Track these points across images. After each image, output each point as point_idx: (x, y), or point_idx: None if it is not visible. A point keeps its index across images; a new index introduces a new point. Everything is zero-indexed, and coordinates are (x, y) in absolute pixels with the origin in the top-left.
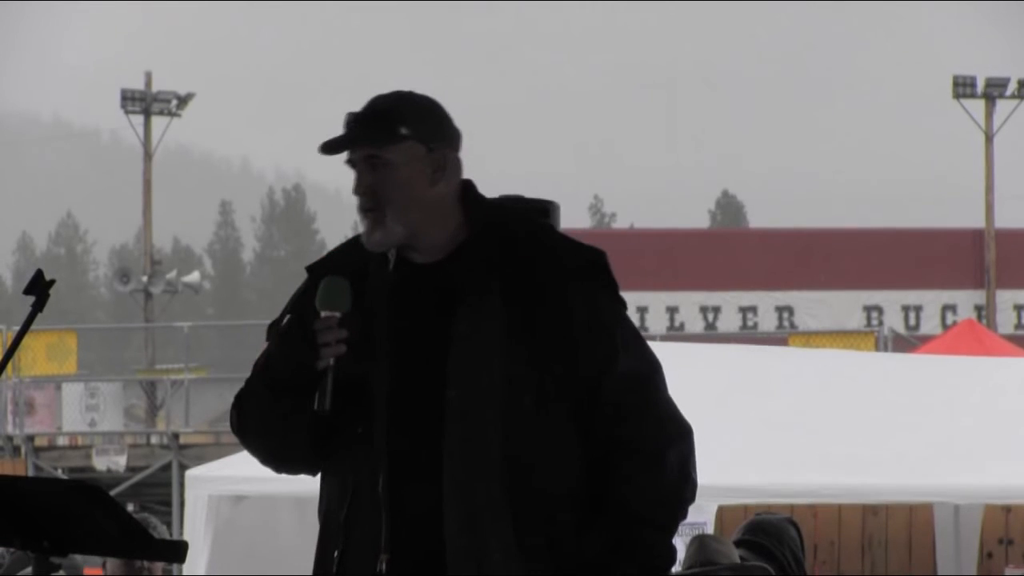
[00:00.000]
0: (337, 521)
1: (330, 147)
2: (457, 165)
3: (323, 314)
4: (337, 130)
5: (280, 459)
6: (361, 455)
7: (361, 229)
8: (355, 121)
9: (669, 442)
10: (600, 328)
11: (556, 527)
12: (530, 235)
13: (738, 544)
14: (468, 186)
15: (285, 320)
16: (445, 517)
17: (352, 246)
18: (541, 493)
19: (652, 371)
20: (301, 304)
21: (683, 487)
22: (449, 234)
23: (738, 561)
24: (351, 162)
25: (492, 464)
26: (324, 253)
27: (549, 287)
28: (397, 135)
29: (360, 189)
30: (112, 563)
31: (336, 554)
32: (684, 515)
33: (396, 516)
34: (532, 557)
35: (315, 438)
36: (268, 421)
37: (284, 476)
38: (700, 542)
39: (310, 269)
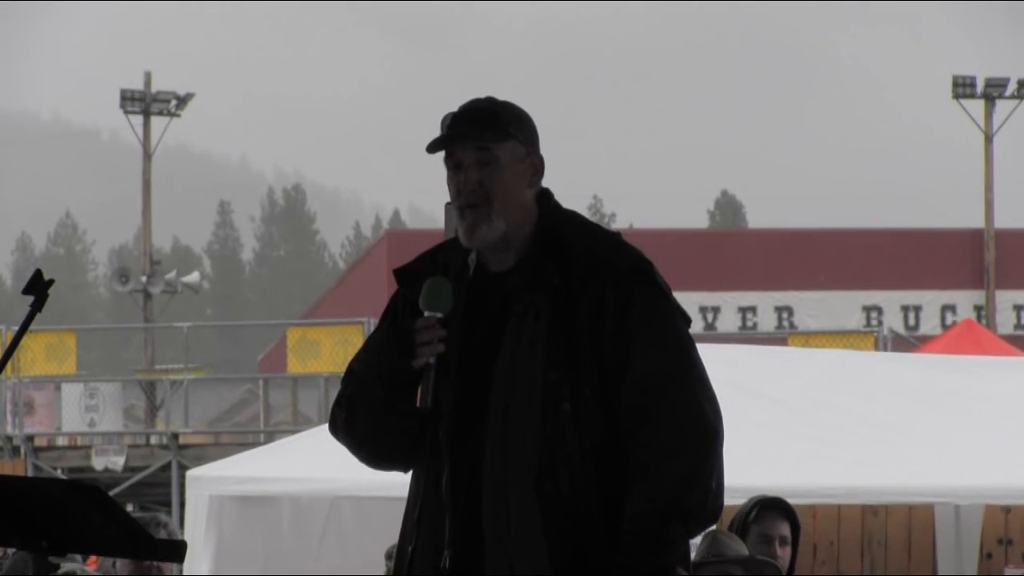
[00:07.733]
0: (412, 519)
1: (441, 144)
2: (543, 173)
3: (425, 313)
4: (334, 129)
5: (384, 457)
6: (430, 457)
7: (461, 226)
8: (462, 119)
9: (686, 444)
10: (630, 332)
11: (585, 524)
12: (584, 245)
13: None
14: (546, 194)
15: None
16: (483, 518)
17: (437, 252)
18: (572, 496)
19: (680, 371)
20: (397, 308)
21: (697, 489)
22: (526, 237)
23: (747, 555)
24: (454, 162)
25: (528, 467)
26: (411, 258)
27: (593, 297)
28: (506, 132)
29: (469, 185)
30: (121, 563)
31: (410, 550)
32: (703, 512)
33: (456, 515)
34: (559, 556)
35: (413, 436)
36: (381, 420)
37: (284, 477)
38: (712, 537)
39: (397, 273)
